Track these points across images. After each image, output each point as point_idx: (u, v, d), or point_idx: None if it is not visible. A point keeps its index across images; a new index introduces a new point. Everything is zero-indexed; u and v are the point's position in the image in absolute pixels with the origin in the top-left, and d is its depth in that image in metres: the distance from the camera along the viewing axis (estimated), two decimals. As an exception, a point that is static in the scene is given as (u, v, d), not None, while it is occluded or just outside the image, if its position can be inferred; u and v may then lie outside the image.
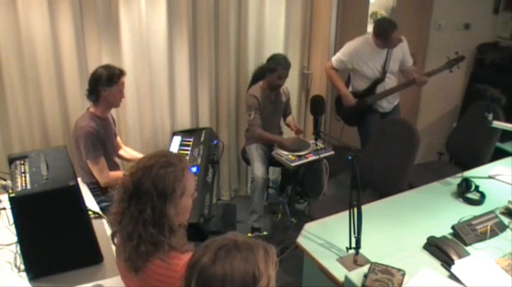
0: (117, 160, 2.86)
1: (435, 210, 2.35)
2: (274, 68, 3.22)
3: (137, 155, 2.98)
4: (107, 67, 2.61)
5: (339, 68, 3.51)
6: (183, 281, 1.06)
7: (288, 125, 3.58)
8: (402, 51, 3.46)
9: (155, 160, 1.38)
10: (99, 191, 2.66)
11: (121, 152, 2.95)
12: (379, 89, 3.46)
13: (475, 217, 2.15)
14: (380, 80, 3.44)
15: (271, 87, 3.34)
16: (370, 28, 3.90)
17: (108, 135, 2.71)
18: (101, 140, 2.61)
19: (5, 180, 1.95)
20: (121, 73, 2.61)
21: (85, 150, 2.56)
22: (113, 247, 1.51)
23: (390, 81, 3.47)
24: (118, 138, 2.93)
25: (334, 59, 3.52)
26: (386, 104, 3.55)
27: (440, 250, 1.90)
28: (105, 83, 2.55)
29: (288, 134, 3.71)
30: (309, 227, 2.19)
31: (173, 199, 1.37)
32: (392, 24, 3.27)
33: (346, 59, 3.45)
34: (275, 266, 1.08)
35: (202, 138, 3.26)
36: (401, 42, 3.41)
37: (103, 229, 2.09)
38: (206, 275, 1.01)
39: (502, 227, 2.13)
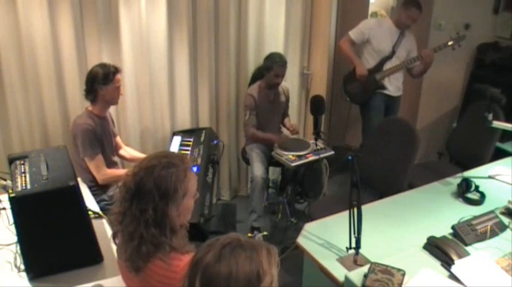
0: (115, 159, 2.86)
1: (435, 210, 2.35)
2: (270, 67, 3.24)
3: (138, 155, 2.98)
4: (102, 65, 2.63)
5: (356, 39, 3.60)
6: (186, 280, 1.05)
7: (284, 126, 3.59)
8: (411, 45, 3.61)
9: (157, 161, 1.38)
10: (99, 190, 2.67)
11: (121, 152, 2.95)
12: (387, 66, 3.58)
13: (475, 217, 2.15)
14: (388, 57, 3.56)
15: (269, 86, 3.34)
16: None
17: (106, 134, 2.71)
18: (98, 137, 2.62)
19: (5, 180, 1.94)
20: (116, 70, 2.62)
21: (82, 147, 2.57)
22: (113, 247, 1.52)
23: (397, 62, 3.58)
24: (118, 138, 2.93)
25: (353, 31, 3.61)
26: (392, 86, 3.64)
27: (440, 250, 1.90)
28: (101, 82, 2.57)
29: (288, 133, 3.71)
30: (309, 227, 2.19)
31: (175, 200, 1.37)
32: (417, 0, 3.46)
33: (364, 30, 3.58)
34: (277, 266, 1.09)
35: (202, 138, 3.26)
36: (412, 38, 3.62)
37: (103, 229, 2.09)
38: (211, 273, 1.01)
39: (502, 227, 2.13)
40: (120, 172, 2.73)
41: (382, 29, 3.57)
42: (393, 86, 3.64)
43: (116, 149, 2.89)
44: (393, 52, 3.55)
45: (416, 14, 3.45)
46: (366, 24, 3.62)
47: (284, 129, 3.64)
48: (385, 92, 3.63)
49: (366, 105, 3.70)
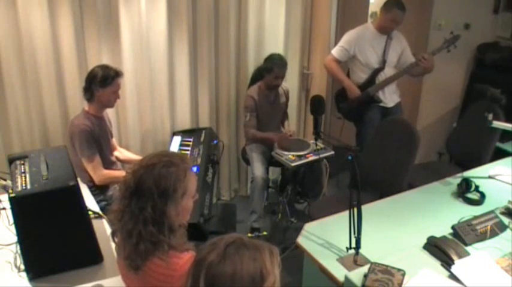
0: (114, 158, 2.86)
1: (435, 210, 2.35)
2: (270, 69, 3.23)
3: (132, 156, 2.98)
4: (104, 67, 2.61)
5: (341, 57, 3.47)
6: (189, 279, 1.05)
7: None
8: (401, 46, 3.46)
9: (158, 159, 1.38)
10: (98, 190, 2.67)
11: (116, 153, 2.94)
12: (380, 78, 3.45)
13: (475, 217, 2.15)
14: (380, 69, 3.43)
15: (269, 88, 3.34)
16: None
17: (104, 134, 2.72)
18: (95, 138, 2.62)
19: (5, 180, 1.95)
20: (117, 74, 2.61)
21: (80, 148, 2.56)
22: (113, 247, 1.52)
23: (390, 72, 3.44)
24: (113, 140, 2.92)
25: (335, 50, 3.49)
26: (387, 98, 3.51)
27: (440, 250, 1.90)
28: (98, 84, 2.56)
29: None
30: (309, 227, 2.19)
31: (174, 199, 1.37)
32: (399, 1, 3.29)
33: (347, 46, 3.43)
34: (279, 266, 1.10)
35: (202, 138, 3.26)
36: (400, 37, 3.46)
37: (103, 229, 2.09)
38: (215, 272, 1.01)
39: (502, 227, 2.13)
40: (117, 173, 2.73)
41: (365, 40, 3.39)
42: (388, 97, 3.51)
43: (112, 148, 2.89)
44: (384, 62, 3.41)
45: (399, 16, 3.26)
46: (347, 39, 3.43)
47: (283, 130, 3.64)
48: (381, 104, 3.51)
49: (361, 119, 3.56)
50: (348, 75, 3.59)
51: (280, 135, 3.37)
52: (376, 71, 3.44)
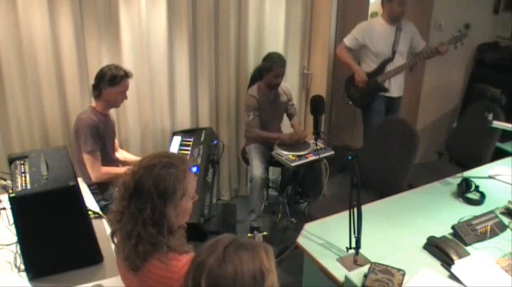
0: (115, 157, 2.86)
1: (435, 210, 2.35)
2: (269, 67, 3.23)
3: (132, 157, 2.98)
4: (114, 67, 2.64)
5: (351, 45, 3.56)
6: (189, 282, 1.06)
7: (293, 127, 3.58)
8: (411, 33, 3.55)
9: (157, 160, 1.38)
10: (99, 189, 2.67)
11: (116, 154, 2.94)
12: (388, 68, 3.52)
13: (475, 217, 2.15)
14: (389, 59, 3.50)
15: (269, 87, 3.34)
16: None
17: (108, 132, 2.73)
18: (100, 134, 2.63)
19: (5, 180, 1.95)
20: (126, 75, 2.64)
21: (84, 141, 2.57)
22: (113, 247, 1.52)
23: (399, 62, 3.52)
24: (115, 141, 2.93)
25: (347, 38, 3.58)
26: (393, 87, 3.57)
27: (440, 250, 1.90)
28: (106, 83, 2.59)
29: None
30: (309, 227, 2.19)
31: (173, 200, 1.37)
32: None
33: (357, 35, 3.53)
34: (275, 265, 1.10)
35: (202, 138, 3.26)
36: (409, 26, 3.55)
37: (103, 229, 2.09)
38: (217, 274, 1.02)
39: (502, 227, 2.13)
40: (115, 169, 2.72)
41: (375, 31, 3.49)
42: (395, 87, 3.59)
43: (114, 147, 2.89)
44: (394, 53, 3.49)
45: None
46: (358, 29, 3.55)
47: (285, 129, 3.63)
48: (387, 94, 3.57)
49: (368, 108, 3.64)
50: (359, 65, 3.65)
51: (286, 134, 3.36)
52: (386, 61, 3.51)
